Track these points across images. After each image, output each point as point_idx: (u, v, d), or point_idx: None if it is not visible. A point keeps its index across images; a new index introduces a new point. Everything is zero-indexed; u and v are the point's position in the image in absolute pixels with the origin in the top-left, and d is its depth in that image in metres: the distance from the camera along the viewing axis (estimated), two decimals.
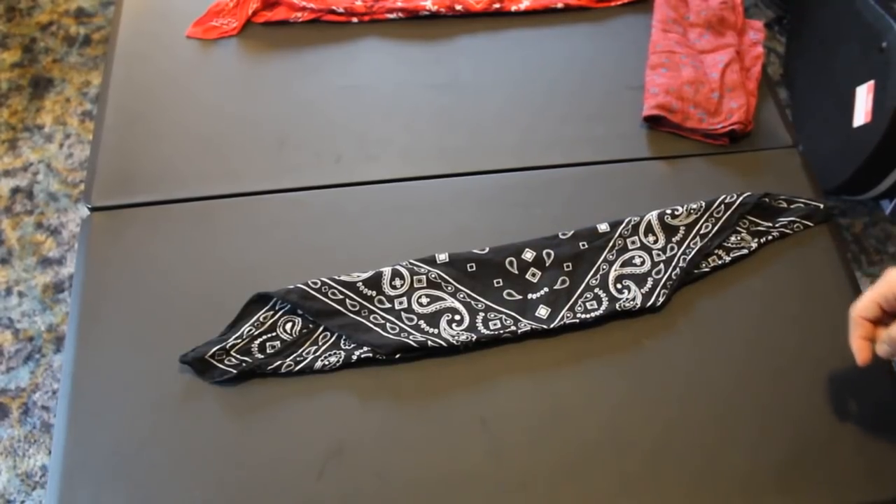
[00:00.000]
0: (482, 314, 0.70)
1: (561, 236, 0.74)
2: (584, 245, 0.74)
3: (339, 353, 0.68)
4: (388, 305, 0.70)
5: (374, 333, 0.68)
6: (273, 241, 0.76)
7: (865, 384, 0.69)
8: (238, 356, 0.67)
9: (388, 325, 0.69)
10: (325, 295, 0.69)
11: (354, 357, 0.67)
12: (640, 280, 0.72)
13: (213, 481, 0.62)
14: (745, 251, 0.75)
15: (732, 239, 0.75)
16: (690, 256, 0.73)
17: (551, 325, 0.69)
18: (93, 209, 0.78)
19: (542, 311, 0.70)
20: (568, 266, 0.73)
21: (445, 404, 0.66)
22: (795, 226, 0.76)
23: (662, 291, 0.71)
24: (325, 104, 0.87)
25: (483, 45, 0.93)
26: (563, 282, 0.72)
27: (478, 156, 0.83)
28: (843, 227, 1.57)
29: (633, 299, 0.71)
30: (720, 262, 0.74)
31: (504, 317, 0.70)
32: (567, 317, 0.70)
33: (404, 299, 0.70)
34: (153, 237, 0.75)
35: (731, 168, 0.82)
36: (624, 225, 0.75)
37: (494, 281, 0.72)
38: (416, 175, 0.81)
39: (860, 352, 0.62)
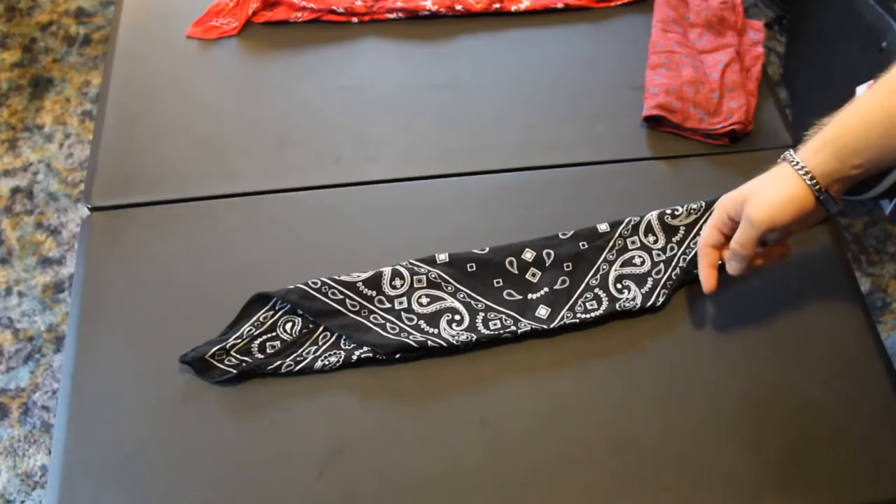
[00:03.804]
0: (482, 314, 0.70)
1: (561, 236, 0.74)
2: (584, 245, 0.74)
3: (339, 353, 0.68)
4: (388, 305, 0.70)
5: (374, 333, 0.68)
6: (273, 241, 0.76)
7: (865, 384, 0.69)
8: (238, 356, 0.67)
9: (388, 325, 0.69)
10: (325, 295, 0.69)
11: (354, 357, 0.67)
12: (640, 280, 0.72)
13: (213, 481, 0.62)
14: None
15: None
16: (690, 256, 0.73)
17: (551, 325, 0.69)
18: (93, 209, 0.78)
19: (542, 311, 0.70)
20: (568, 266, 0.73)
21: (445, 404, 0.66)
22: None
23: (662, 291, 0.71)
24: (325, 104, 0.87)
25: (483, 45, 0.93)
26: (564, 282, 0.72)
27: (478, 156, 0.83)
28: (843, 227, 1.57)
29: (633, 299, 0.71)
30: (720, 262, 0.74)
31: (504, 317, 0.70)
32: (567, 317, 0.70)
33: (404, 299, 0.70)
34: (153, 237, 0.75)
35: (731, 168, 0.82)
36: (624, 225, 0.75)
37: (494, 281, 0.72)
38: (416, 175, 0.81)
39: (707, 280, 0.68)
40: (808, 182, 0.59)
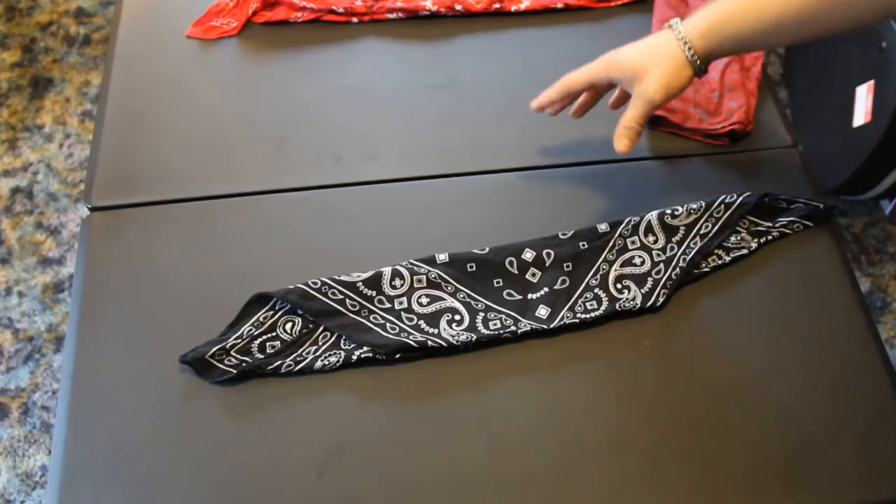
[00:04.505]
0: (482, 314, 0.70)
1: (561, 236, 0.74)
2: (584, 245, 0.74)
3: (339, 353, 0.68)
4: (388, 305, 0.70)
5: (374, 333, 0.68)
6: (273, 241, 0.76)
7: (865, 384, 0.69)
8: (238, 356, 0.67)
9: (388, 325, 0.69)
10: (325, 295, 0.69)
11: (354, 357, 0.67)
12: (640, 280, 0.72)
13: (213, 481, 0.62)
14: (745, 251, 0.75)
15: (732, 239, 0.75)
16: (690, 256, 0.73)
17: (551, 325, 0.69)
18: (93, 209, 0.78)
19: (542, 311, 0.70)
20: (568, 266, 0.73)
21: (445, 404, 0.66)
22: (795, 226, 0.76)
23: (662, 291, 0.71)
24: (325, 104, 0.87)
25: (483, 45, 0.93)
26: (563, 282, 0.72)
27: (478, 156, 0.83)
28: (843, 227, 1.57)
29: (633, 299, 0.71)
30: (720, 262, 0.74)
31: (504, 317, 0.70)
32: (567, 317, 0.70)
33: (404, 299, 0.70)
34: (153, 237, 0.75)
35: (731, 168, 0.82)
36: (624, 225, 0.75)
37: (494, 281, 0.72)
38: (416, 175, 0.81)
39: (550, 109, 0.76)
40: (693, 62, 0.68)
